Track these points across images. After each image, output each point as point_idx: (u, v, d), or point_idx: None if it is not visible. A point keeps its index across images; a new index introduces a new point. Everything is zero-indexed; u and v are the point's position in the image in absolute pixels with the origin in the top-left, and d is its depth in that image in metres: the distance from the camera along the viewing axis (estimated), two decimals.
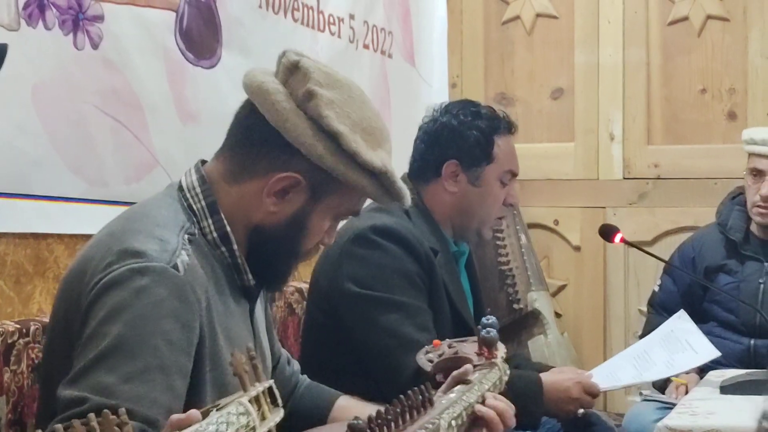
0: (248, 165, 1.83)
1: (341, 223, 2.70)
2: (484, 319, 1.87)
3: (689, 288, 3.65)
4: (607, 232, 3.36)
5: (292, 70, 1.82)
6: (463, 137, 2.72)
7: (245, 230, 1.86)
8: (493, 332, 1.85)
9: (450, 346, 1.89)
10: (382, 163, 1.83)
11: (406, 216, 2.69)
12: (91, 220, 2.40)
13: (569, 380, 2.69)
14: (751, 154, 3.55)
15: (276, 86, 1.82)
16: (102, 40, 2.51)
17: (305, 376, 2.24)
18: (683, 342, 3.06)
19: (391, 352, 2.49)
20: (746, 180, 3.57)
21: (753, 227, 3.60)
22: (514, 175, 2.81)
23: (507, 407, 1.77)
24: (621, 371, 2.88)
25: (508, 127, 2.78)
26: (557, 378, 2.70)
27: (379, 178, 1.84)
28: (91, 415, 1.10)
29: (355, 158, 1.80)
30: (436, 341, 1.91)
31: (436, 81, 4.49)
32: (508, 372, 1.88)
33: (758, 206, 3.51)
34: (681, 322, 3.18)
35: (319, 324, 2.67)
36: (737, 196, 3.68)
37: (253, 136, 1.83)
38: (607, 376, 2.84)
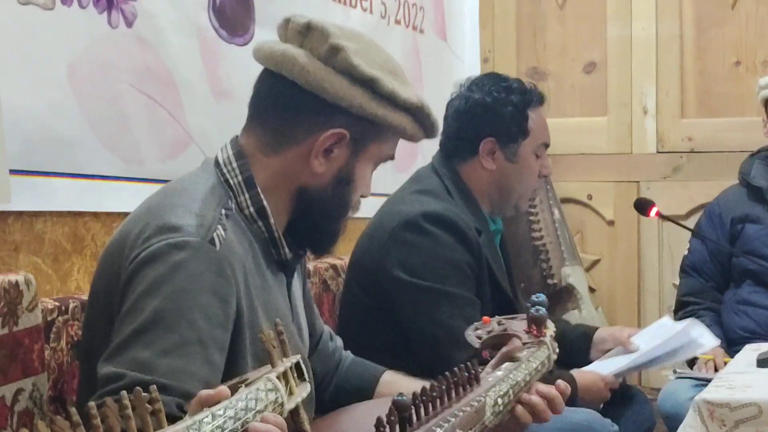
0: (286, 133, 1.85)
1: (385, 207, 2.72)
2: (533, 297, 1.86)
3: (717, 244, 3.61)
4: (643, 206, 3.35)
5: (304, 32, 1.84)
6: (499, 114, 2.73)
7: (289, 198, 1.87)
8: (543, 310, 1.85)
9: (499, 323, 1.88)
10: (417, 98, 1.87)
11: (448, 195, 2.70)
12: (127, 198, 2.42)
13: (600, 380, 2.71)
14: None
15: (298, 50, 1.83)
16: (136, 18, 2.51)
17: (349, 351, 2.24)
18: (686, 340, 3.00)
19: (440, 343, 2.50)
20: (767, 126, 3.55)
21: None
22: (546, 146, 2.84)
23: (556, 395, 1.77)
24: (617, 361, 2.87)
25: (539, 99, 2.81)
26: (588, 379, 2.71)
27: (417, 113, 1.88)
28: (124, 393, 1.11)
29: (394, 99, 1.83)
30: (485, 318, 1.90)
31: (467, 56, 4.47)
32: (557, 350, 1.87)
33: None
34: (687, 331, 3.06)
35: (361, 304, 2.68)
36: (757, 153, 3.67)
37: (286, 104, 1.84)
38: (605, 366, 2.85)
